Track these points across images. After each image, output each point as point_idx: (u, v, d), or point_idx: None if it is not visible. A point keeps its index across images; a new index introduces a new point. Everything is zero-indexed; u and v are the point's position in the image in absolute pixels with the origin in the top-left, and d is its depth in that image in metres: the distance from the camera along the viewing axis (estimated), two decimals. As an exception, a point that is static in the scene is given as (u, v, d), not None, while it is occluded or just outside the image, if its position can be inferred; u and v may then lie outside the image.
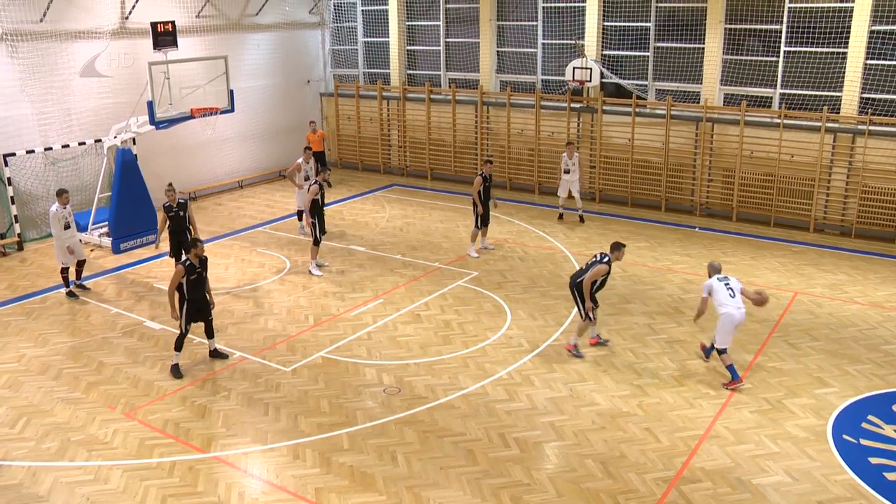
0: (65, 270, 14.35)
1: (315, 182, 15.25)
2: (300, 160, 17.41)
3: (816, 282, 14.76)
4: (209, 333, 11.83)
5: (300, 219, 17.69)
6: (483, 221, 16.19)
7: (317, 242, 15.36)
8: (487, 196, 16.14)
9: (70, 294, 14.42)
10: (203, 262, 11.36)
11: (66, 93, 17.93)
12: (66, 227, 14.16)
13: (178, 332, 11.41)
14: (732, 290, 10.89)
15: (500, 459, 9.25)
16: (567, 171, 18.31)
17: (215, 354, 11.97)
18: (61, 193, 14.18)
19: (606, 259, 11.58)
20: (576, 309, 12.30)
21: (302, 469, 9.11)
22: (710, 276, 11.14)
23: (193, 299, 11.29)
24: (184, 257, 11.50)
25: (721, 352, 10.86)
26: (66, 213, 14.16)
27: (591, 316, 11.68)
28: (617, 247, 11.61)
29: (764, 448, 9.40)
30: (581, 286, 11.55)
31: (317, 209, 15.18)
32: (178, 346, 11.43)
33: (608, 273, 11.60)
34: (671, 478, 8.85)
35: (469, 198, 17.60)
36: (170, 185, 14.74)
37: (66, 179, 18.12)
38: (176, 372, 11.39)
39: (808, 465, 9.04)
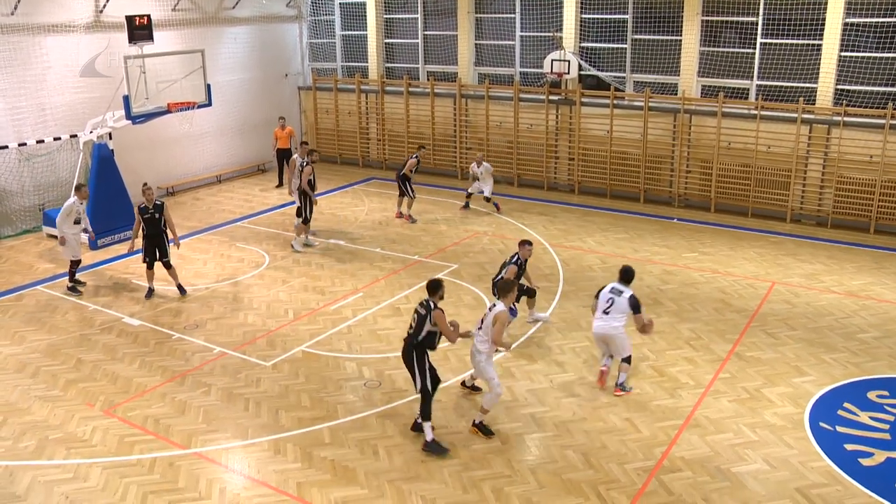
0: (74, 264, 14.22)
1: (308, 163, 16.08)
2: (295, 156, 16.57)
3: (793, 272, 14.90)
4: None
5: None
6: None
7: (306, 221, 16.16)
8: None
9: (72, 289, 14.23)
10: None
11: (40, 87, 17.71)
12: (77, 221, 14.04)
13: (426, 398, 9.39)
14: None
15: (481, 451, 9.27)
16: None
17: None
18: (80, 188, 14.07)
19: (516, 258, 12.12)
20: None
21: (283, 464, 9.09)
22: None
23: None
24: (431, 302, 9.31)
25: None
26: (80, 208, 14.02)
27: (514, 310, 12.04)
28: (523, 244, 12.15)
29: (743, 437, 9.49)
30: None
31: (311, 189, 16.10)
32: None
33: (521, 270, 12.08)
34: (651, 467, 8.92)
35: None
36: (146, 184, 14.03)
37: (41, 175, 17.93)
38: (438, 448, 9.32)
39: (786, 453, 9.14)
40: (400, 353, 9.61)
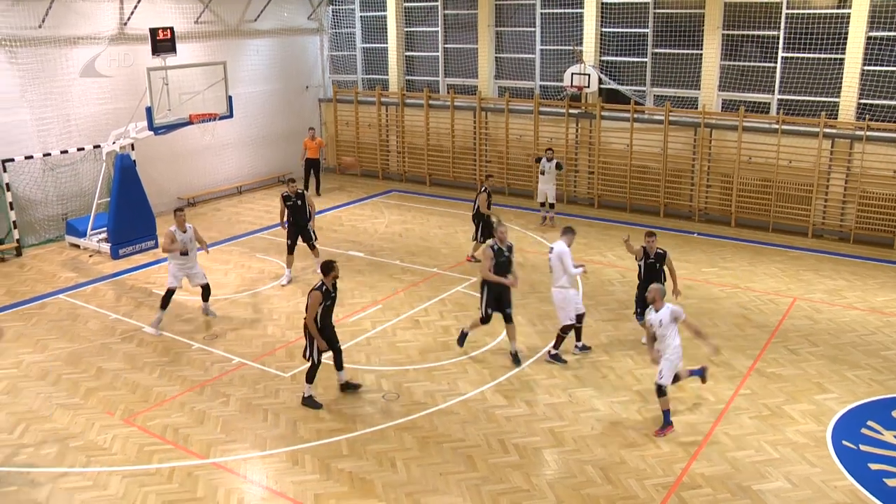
0: (569, 328, 11.82)
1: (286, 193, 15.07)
2: (173, 228, 12.91)
3: (815, 287, 14.77)
4: (339, 365, 10.89)
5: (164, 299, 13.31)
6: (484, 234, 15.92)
7: (291, 251, 15.18)
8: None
9: (556, 357, 11.85)
10: (335, 288, 10.47)
11: (66, 98, 17.94)
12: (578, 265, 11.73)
13: (311, 363, 10.47)
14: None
15: (499, 465, 9.24)
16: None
17: (346, 387, 11.01)
18: (566, 231, 11.99)
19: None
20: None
21: (301, 475, 9.10)
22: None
23: (324, 326, 10.45)
24: (320, 283, 10.31)
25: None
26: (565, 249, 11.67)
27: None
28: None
29: (764, 454, 9.39)
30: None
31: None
32: (311, 377, 10.57)
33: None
34: (671, 484, 8.84)
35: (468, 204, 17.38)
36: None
37: (64, 185, 18.14)
38: (312, 403, 10.62)
39: (808, 471, 9.04)
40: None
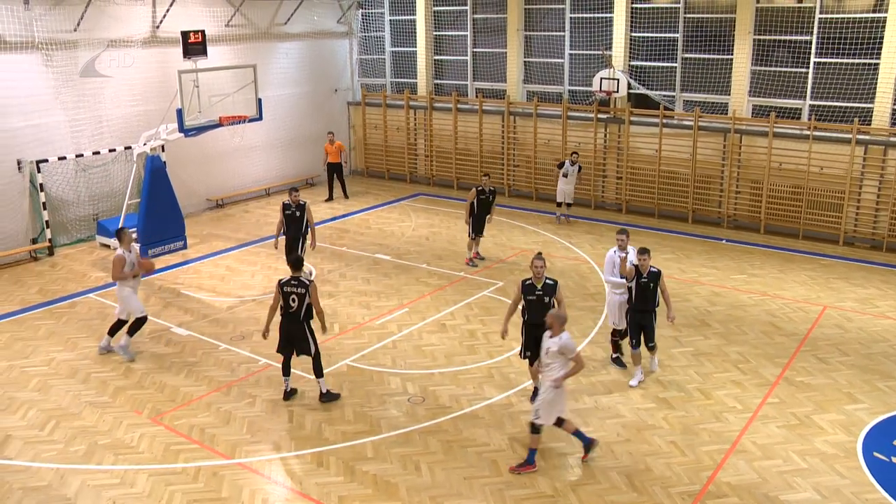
0: (617, 333, 11.97)
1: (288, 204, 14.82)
2: (121, 251, 11.89)
3: (846, 296, 14.56)
4: (288, 370, 10.98)
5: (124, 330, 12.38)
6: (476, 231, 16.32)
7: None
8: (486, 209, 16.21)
9: (618, 360, 11.84)
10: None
11: (98, 100, 18.17)
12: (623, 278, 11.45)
13: (315, 355, 10.69)
14: None
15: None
16: None
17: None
18: (622, 230, 11.75)
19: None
20: None
21: (326, 477, 9.13)
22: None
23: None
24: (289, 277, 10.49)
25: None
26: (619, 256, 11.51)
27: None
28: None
29: (792, 464, 9.27)
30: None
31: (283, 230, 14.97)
32: (321, 370, 10.80)
33: None
34: (697, 492, 8.76)
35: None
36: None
37: (96, 186, 18.38)
38: (331, 396, 10.83)
39: (838, 483, 8.91)
40: (287, 333, 10.66)
